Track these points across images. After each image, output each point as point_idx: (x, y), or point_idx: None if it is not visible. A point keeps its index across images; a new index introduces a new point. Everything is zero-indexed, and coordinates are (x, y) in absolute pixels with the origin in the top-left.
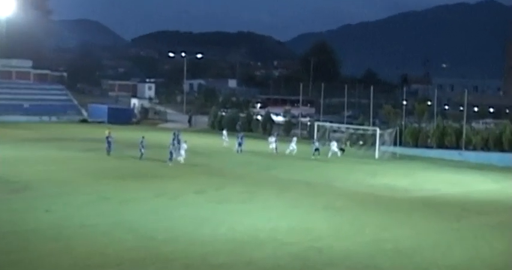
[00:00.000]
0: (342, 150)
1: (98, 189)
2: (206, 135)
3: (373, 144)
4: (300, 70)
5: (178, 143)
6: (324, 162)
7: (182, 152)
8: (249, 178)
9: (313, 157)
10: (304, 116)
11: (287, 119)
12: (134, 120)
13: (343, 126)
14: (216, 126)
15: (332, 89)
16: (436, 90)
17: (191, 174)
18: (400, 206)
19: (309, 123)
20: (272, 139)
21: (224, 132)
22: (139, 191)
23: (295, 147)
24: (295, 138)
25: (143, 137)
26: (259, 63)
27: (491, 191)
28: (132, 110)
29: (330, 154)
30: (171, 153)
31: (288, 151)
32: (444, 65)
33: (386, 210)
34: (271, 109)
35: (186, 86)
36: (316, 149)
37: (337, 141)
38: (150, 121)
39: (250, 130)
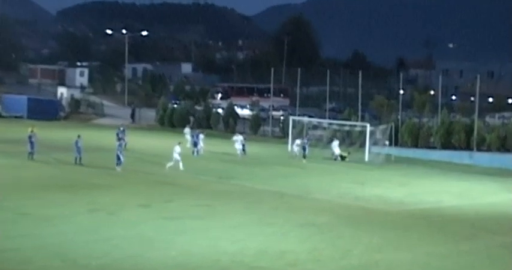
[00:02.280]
0: (341, 157)
1: (16, 204)
2: (153, 134)
3: (362, 144)
4: (271, 52)
5: (119, 140)
6: (302, 169)
7: (176, 155)
8: (208, 188)
9: (304, 161)
10: (276, 109)
11: (255, 112)
12: (62, 114)
13: (324, 122)
14: (166, 122)
15: (311, 75)
16: (440, 77)
17: (134, 184)
18: (395, 222)
19: (282, 118)
20: (237, 138)
21: (187, 130)
22: (69, 205)
23: (239, 147)
24: (240, 137)
25: (79, 137)
26: (219, 43)
27: (508, 203)
28: (59, 101)
29: (341, 155)
30: (118, 156)
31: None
32: (451, 45)
33: (378, 227)
34: (235, 100)
35: (127, 72)
36: (304, 148)
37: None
38: (81, 116)
39: (209, 127)
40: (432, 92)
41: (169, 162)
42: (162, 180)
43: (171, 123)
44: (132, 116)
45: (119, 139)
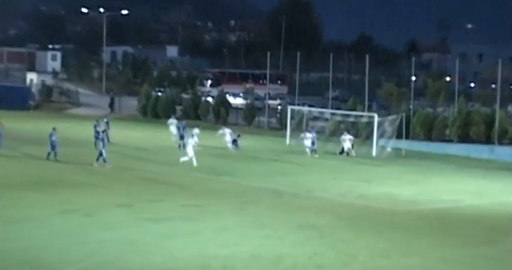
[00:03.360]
0: (343, 152)
1: None
2: (135, 125)
3: (369, 137)
4: (267, 34)
5: (97, 133)
6: (301, 165)
7: (189, 149)
8: (199, 186)
9: (316, 156)
10: (273, 98)
11: (249, 101)
12: (31, 103)
13: (327, 112)
14: (150, 113)
15: (311, 60)
16: (457, 62)
17: (116, 182)
18: (404, 223)
19: (279, 107)
20: (224, 131)
21: (172, 120)
22: (41, 205)
23: (229, 140)
24: (227, 130)
25: (54, 129)
26: (209, 24)
27: None
28: (29, 89)
29: (348, 152)
30: (100, 152)
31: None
32: (469, 26)
33: (386, 230)
34: (226, 88)
35: (105, 56)
36: (313, 142)
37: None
38: (54, 105)
39: (198, 117)
40: (448, 79)
41: (183, 157)
42: (148, 177)
43: (155, 113)
44: (111, 105)
45: (103, 132)
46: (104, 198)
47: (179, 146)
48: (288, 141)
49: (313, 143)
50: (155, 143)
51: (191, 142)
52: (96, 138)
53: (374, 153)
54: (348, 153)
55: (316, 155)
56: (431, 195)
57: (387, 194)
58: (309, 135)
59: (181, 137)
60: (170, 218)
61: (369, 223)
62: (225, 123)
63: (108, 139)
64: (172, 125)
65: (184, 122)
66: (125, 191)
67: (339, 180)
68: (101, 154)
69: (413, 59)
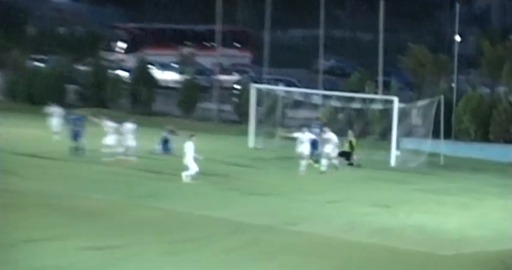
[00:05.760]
0: (350, 164)
1: None
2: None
3: (386, 135)
4: None
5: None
6: (275, 183)
7: (190, 158)
8: (114, 215)
9: (319, 166)
10: (228, 71)
11: (187, 77)
12: None
13: (316, 94)
14: (22, 95)
15: (291, 7)
16: None
17: None
18: None
19: (238, 86)
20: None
21: (55, 109)
22: None
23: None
24: (130, 126)
25: None
26: None
27: None
28: None
29: (323, 167)
30: None
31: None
32: None
33: None
34: (150, 55)
35: None
36: (314, 146)
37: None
38: None
39: (103, 103)
40: None
41: (185, 172)
42: (35, 201)
43: (31, 96)
44: None
45: None
46: None
47: (73, 151)
48: (252, 142)
49: (314, 146)
50: (38, 145)
51: (190, 147)
52: None
53: (393, 161)
54: (352, 164)
55: (319, 166)
56: (491, 228)
57: (418, 228)
58: (307, 136)
59: (75, 135)
60: (64, 267)
61: None
62: (149, 112)
63: None
64: (57, 116)
65: (78, 115)
66: None
67: (339, 206)
68: None
69: (458, 6)
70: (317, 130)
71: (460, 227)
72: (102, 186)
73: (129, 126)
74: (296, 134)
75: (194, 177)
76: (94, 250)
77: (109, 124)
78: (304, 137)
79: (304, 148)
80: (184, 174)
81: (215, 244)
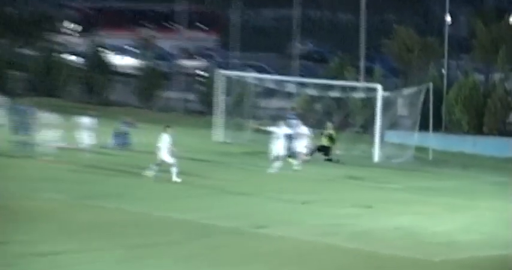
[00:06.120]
0: (329, 160)
1: None
2: None
3: (368, 126)
4: None
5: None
6: (244, 181)
7: (166, 154)
8: (57, 218)
9: (295, 165)
10: (192, 56)
11: (148, 62)
12: None
13: (291, 81)
14: None
15: None
16: None
17: None
18: None
19: (203, 73)
20: (83, 121)
21: None
22: None
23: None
24: (88, 120)
25: None
26: None
27: None
28: None
29: (295, 163)
30: None
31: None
32: None
33: None
34: (106, 37)
35: None
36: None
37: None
38: None
39: (52, 92)
40: None
41: (172, 170)
42: None
43: None
44: None
45: None
46: None
47: (19, 146)
48: (219, 135)
49: (290, 141)
50: None
51: (166, 140)
52: None
53: (376, 156)
54: (331, 159)
55: (295, 163)
56: (483, 231)
57: (403, 231)
58: (283, 130)
59: (21, 129)
60: None
61: None
62: (105, 102)
63: None
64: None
65: (26, 107)
66: None
67: (315, 207)
68: None
69: None
70: (294, 121)
71: (449, 230)
72: (50, 185)
73: (85, 120)
74: (271, 128)
75: (156, 176)
76: (37, 256)
77: (49, 117)
78: (281, 132)
79: (280, 147)
80: (173, 171)
81: (177, 250)
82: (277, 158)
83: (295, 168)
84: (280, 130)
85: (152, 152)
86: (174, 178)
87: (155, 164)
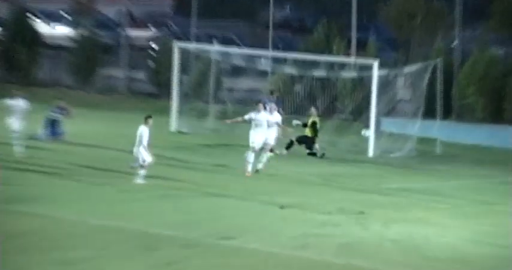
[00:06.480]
0: (312, 154)
1: None
2: None
3: (360, 113)
4: None
5: None
6: (207, 180)
7: (141, 147)
8: None
9: (279, 152)
10: (142, 24)
11: (85, 32)
12: None
13: (265, 56)
14: None
15: None
16: None
17: None
18: None
19: (155, 45)
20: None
21: None
22: None
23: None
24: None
25: None
26: None
27: None
28: None
29: (264, 159)
30: None
31: None
32: None
33: None
34: (31, 1)
35: None
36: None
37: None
38: None
39: None
40: None
41: (139, 170)
42: None
43: None
44: None
45: None
46: None
47: None
48: (174, 123)
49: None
50: None
51: (144, 133)
52: None
53: (370, 150)
54: (310, 153)
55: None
56: (497, 243)
57: (400, 243)
58: (264, 116)
59: None
60: None
61: None
62: (31, 82)
63: None
64: None
65: None
66: None
67: (294, 212)
68: None
69: None
70: (274, 105)
71: (456, 241)
72: None
73: (19, 103)
74: (248, 116)
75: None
76: None
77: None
78: (262, 118)
79: (268, 134)
80: (141, 172)
81: (119, 265)
82: (265, 150)
83: (260, 166)
84: (260, 116)
85: (91, 145)
86: (138, 180)
87: (139, 165)
